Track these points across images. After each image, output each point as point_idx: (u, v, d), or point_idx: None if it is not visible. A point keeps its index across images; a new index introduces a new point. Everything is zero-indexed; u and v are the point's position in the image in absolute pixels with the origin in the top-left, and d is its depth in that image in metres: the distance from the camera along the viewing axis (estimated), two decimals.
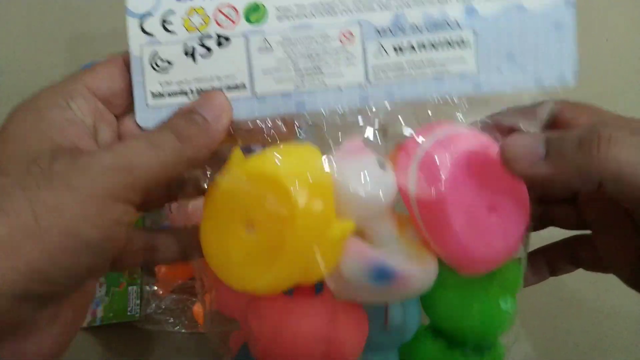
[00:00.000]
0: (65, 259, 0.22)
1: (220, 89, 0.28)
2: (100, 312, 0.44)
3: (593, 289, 0.46)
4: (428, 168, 0.26)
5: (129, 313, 0.44)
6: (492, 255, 0.27)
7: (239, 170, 0.26)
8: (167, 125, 0.26)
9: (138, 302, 0.44)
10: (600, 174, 0.22)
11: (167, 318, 0.45)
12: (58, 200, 0.22)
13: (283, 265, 0.25)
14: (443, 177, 0.25)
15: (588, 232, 0.32)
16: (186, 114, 0.26)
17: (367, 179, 0.25)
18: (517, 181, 0.26)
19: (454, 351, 0.30)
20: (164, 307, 0.45)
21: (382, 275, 0.25)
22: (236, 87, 0.28)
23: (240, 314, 0.29)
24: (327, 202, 0.25)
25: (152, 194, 0.29)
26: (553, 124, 0.29)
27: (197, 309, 0.44)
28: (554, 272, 0.33)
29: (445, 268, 0.27)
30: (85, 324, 0.44)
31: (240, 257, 0.26)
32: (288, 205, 0.24)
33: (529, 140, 0.24)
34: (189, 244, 0.29)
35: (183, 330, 0.44)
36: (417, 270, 0.26)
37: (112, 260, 0.25)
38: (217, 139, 0.26)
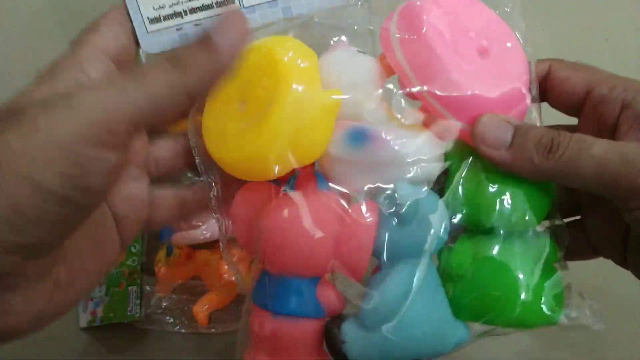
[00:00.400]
0: (28, 208, 0.20)
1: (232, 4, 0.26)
2: (100, 312, 0.44)
3: (593, 288, 0.46)
4: (408, 14, 0.27)
5: (129, 313, 0.44)
6: (495, 95, 0.27)
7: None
8: (168, 54, 0.24)
9: (138, 302, 0.44)
10: (550, 172, 0.26)
11: (167, 318, 0.45)
12: (20, 144, 0.20)
13: (270, 130, 0.25)
14: (424, 17, 0.26)
15: (575, 218, 0.33)
16: (197, 40, 0.24)
17: (349, 63, 0.27)
18: (507, 29, 0.28)
19: (491, 239, 0.28)
20: (164, 307, 0.45)
21: (357, 136, 0.26)
22: (225, 1, 0.28)
23: (253, 233, 0.28)
24: (313, 78, 0.26)
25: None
26: (549, 82, 0.30)
27: (197, 308, 0.44)
28: None
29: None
30: (85, 324, 0.44)
31: (233, 130, 0.26)
32: (274, 75, 0.25)
33: (499, 126, 0.27)
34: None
35: (183, 330, 0.44)
36: (399, 135, 0.26)
37: (91, 209, 0.23)
38: (226, 67, 0.24)
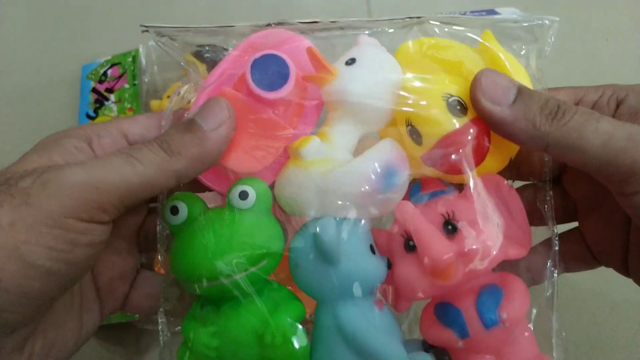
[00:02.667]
0: (13, 285, 0.20)
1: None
2: None
3: (593, 288, 0.46)
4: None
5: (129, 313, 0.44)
6: None
7: None
8: (158, 137, 0.25)
9: None
10: (551, 139, 0.24)
11: (168, 318, 0.44)
12: (12, 218, 0.20)
13: None
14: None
15: (572, 226, 0.32)
16: (182, 123, 0.25)
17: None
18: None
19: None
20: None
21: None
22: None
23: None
24: None
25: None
26: None
27: None
28: (537, 279, 0.31)
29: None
30: None
31: None
32: None
33: (505, 82, 0.25)
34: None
35: None
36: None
37: (74, 282, 0.23)
38: (214, 151, 0.25)
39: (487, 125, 0.26)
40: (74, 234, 0.21)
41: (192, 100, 0.29)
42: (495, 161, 0.27)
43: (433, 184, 0.28)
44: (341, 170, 0.26)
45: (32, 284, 0.21)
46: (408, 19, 0.29)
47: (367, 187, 0.26)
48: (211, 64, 0.30)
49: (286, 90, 0.27)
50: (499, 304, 0.25)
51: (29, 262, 0.20)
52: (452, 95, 0.26)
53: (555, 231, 0.30)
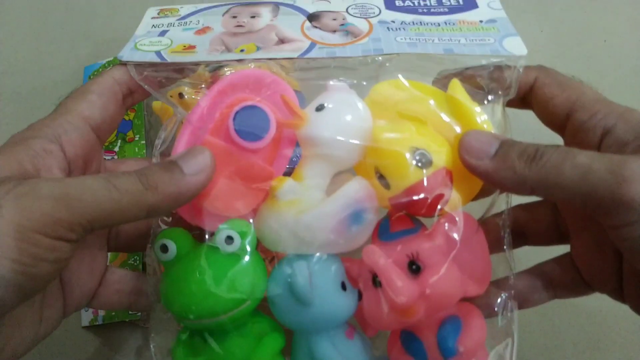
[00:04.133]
0: None
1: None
2: (102, 311, 0.44)
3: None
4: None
5: (130, 312, 0.44)
6: None
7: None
8: (139, 170, 0.25)
9: None
10: (532, 181, 0.25)
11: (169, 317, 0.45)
12: None
13: None
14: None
15: (564, 251, 0.32)
16: (165, 162, 0.26)
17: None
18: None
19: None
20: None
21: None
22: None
23: None
24: None
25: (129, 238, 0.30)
26: (533, 97, 0.30)
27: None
28: (522, 303, 0.31)
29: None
30: (87, 323, 0.44)
31: None
32: None
33: (486, 138, 0.27)
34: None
35: None
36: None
37: (35, 294, 0.23)
38: (189, 194, 0.26)
39: (477, 177, 0.27)
40: (39, 249, 0.21)
41: (176, 134, 0.31)
42: (462, 197, 0.29)
43: (401, 222, 0.29)
44: (311, 213, 0.28)
45: None
46: (379, 57, 0.31)
47: (335, 228, 0.28)
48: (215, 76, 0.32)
49: (267, 141, 0.29)
50: (458, 336, 0.28)
51: None
52: (418, 148, 0.27)
53: (513, 264, 0.31)
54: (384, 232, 0.29)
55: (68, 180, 0.23)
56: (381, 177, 0.28)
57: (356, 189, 0.28)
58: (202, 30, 0.35)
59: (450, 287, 0.27)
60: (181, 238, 0.29)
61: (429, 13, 0.35)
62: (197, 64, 0.32)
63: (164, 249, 0.29)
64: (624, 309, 0.46)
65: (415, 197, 0.27)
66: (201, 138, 0.30)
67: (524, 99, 0.30)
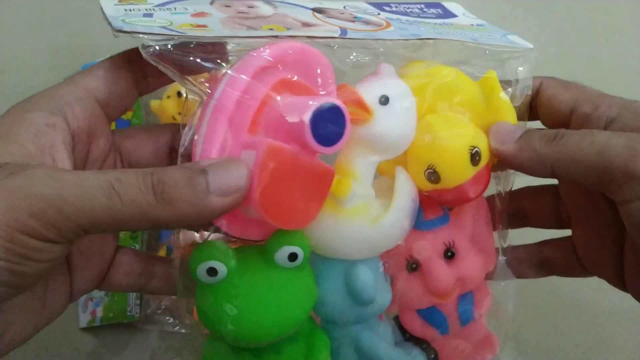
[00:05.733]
0: None
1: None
2: (100, 312, 0.44)
3: (593, 288, 0.46)
4: None
5: (128, 313, 0.44)
6: None
7: None
8: (155, 177, 0.21)
9: (138, 302, 0.44)
10: (552, 159, 0.26)
11: (167, 318, 0.45)
12: None
13: None
14: None
15: (564, 235, 0.33)
16: (191, 171, 0.22)
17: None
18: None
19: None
20: (163, 307, 0.45)
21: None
22: None
23: None
24: None
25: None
26: (538, 100, 0.31)
27: (194, 313, 0.44)
28: (519, 274, 0.33)
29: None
30: (85, 324, 0.44)
31: None
32: None
33: (511, 127, 0.28)
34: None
35: (183, 331, 0.44)
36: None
37: (26, 289, 0.22)
38: (206, 218, 0.22)
39: (500, 161, 0.29)
40: (27, 250, 0.20)
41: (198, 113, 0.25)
42: None
43: (433, 210, 0.30)
44: (389, 219, 0.27)
45: None
46: (419, 40, 0.29)
47: (406, 229, 0.28)
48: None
49: (342, 143, 0.25)
50: (473, 305, 0.31)
51: None
52: (475, 147, 0.28)
53: (509, 232, 0.33)
54: (419, 221, 0.29)
55: (66, 177, 0.21)
56: (433, 173, 0.28)
57: (410, 185, 0.28)
58: (200, 14, 0.28)
59: (479, 268, 0.30)
60: (230, 258, 0.25)
61: (422, 17, 0.34)
62: (222, 40, 0.25)
63: (213, 272, 0.25)
64: (626, 310, 0.46)
65: (461, 194, 0.28)
66: (241, 131, 0.24)
67: (531, 106, 0.31)
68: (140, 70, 0.27)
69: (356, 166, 0.27)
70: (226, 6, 0.30)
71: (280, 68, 0.25)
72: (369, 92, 0.27)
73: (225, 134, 0.24)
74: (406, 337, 0.33)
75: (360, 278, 0.27)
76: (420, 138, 0.28)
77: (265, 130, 0.24)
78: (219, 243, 0.26)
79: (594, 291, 0.46)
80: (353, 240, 0.27)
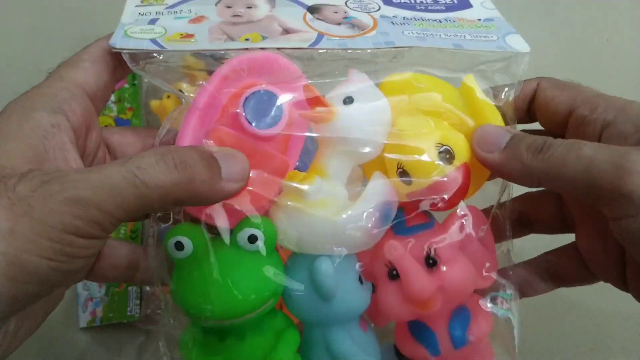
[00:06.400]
0: (9, 287, 0.20)
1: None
2: (100, 312, 0.44)
3: (593, 289, 0.46)
4: None
5: (128, 313, 0.44)
6: None
7: None
8: (175, 152, 0.23)
9: (138, 302, 0.44)
10: (539, 172, 0.26)
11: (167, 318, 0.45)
12: (12, 226, 0.20)
13: None
14: None
15: (567, 242, 0.32)
16: (206, 154, 0.24)
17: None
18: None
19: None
20: (163, 307, 0.45)
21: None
22: None
23: None
24: None
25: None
26: (535, 101, 0.31)
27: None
28: (526, 291, 0.33)
29: None
30: (85, 324, 0.44)
31: None
32: None
33: (498, 132, 0.28)
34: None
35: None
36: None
37: (63, 286, 0.23)
38: (214, 200, 0.25)
39: (487, 169, 0.28)
40: (74, 248, 0.21)
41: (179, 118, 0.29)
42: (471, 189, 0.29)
43: (417, 217, 0.29)
44: (349, 215, 0.27)
45: (26, 288, 0.21)
46: (393, 49, 0.30)
47: (371, 229, 0.28)
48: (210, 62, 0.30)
49: (280, 128, 0.28)
50: (468, 326, 0.29)
51: (28, 270, 0.20)
52: (442, 144, 0.28)
53: (511, 247, 0.32)
54: (400, 226, 0.29)
55: (93, 177, 0.21)
56: (403, 173, 0.28)
57: (383, 187, 0.28)
58: (197, 19, 0.32)
59: (465, 279, 0.28)
60: (197, 234, 0.27)
61: (427, 10, 0.34)
62: (200, 52, 0.29)
63: (179, 246, 0.27)
64: (626, 311, 0.46)
65: (438, 194, 0.27)
66: (208, 126, 0.28)
67: (528, 108, 0.31)
68: (116, 58, 0.29)
69: (325, 164, 0.28)
70: (227, 7, 0.33)
71: (246, 74, 0.28)
72: (335, 93, 0.28)
73: (198, 130, 0.27)
74: (398, 354, 0.32)
75: (321, 268, 0.27)
76: (390, 138, 0.28)
77: (229, 125, 0.27)
78: (192, 224, 0.28)
79: (594, 292, 0.46)
80: (314, 231, 0.28)
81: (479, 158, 0.28)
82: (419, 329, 0.30)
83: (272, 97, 0.28)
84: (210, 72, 0.29)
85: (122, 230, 0.45)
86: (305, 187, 0.28)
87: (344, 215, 0.27)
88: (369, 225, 0.28)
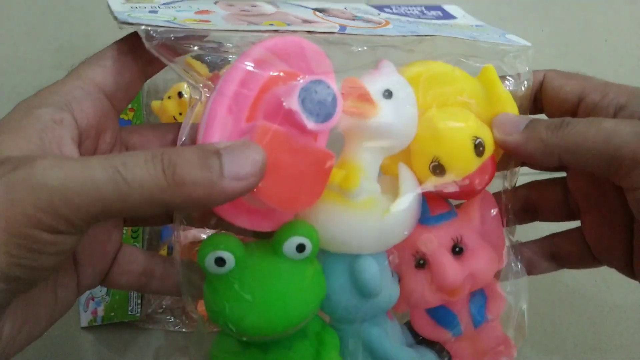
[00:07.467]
0: None
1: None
2: (101, 312, 0.44)
3: (593, 288, 0.46)
4: None
5: (129, 312, 0.44)
6: None
7: None
8: (167, 153, 0.21)
9: (139, 301, 0.44)
10: (559, 148, 0.26)
11: (168, 318, 0.45)
12: None
13: None
14: None
15: (574, 225, 0.33)
16: (205, 151, 0.21)
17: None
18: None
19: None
20: (164, 306, 0.45)
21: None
22: None
23: None
24: None
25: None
26: (543, 92, 0.31)
27: (199, 307, 0.44)
28: (530, 270, 0.34)
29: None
30: (86, 324, 0.44)
31: None
32: None
33: (515, 117, 0.28)
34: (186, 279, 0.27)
35: (184, 330, 0.44)
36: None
37: (37, 283, 0.21)
38: (218, 202, 0.22)
39: (505, 152, 0.29)
40: (38, 244, 0.20)
41: (201, 100, 0.26)
42: None
43: (439, 205, 0.30)
44: (397, 213, 0.27)
45: None
46: (415, 37, 0.29)
47: (411, 222, 0.28)
48: (212, 66, 0.28)
49: (334, 122, 0.25)
50: (485, 307, 0.31)
51: None
52: (478, 137, 0.28)
53: (514, 238, 0.33)
54: (425, 216, 0.29)
55: (70, 166, 0.20)
56: (437, 165, 0.28)
57: (413, 179, 0.28)
58: (204, 12, 0.28)
59: (489, 264, 0.30)
60: (237, 247, 0.25)
61: (421, 19, 0.34)
62: (224, 32, 0.26)
63: (221, 262, 0.24)
64: (626, 309, 0.46)
65: (470, 185, 0.28)
66: (237, 116, 0.24)
67: (535, 99, 0.31)
68: (144, 55, 0.26)
69: (363, 160, 0.27)
70: (230, 5, 0.30)
71: (278, 60, 0.25)
72: (372, 87, 0.27)
73: (225, 121, 0.24)
74: (418, 340, 0.32)
75: (366, 268, 0.27)
76: (423, 132, 0.28)
77: (264, 118, 0.24)
78: (227, 234, 0.26)
79: (593, 290, 0.46)
80: (363, 233, 0.27)
81: (498, 141, 0.28)
82: (440, 313, 0.31)
83: (328, 89, 0.25)
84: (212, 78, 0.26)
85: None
86: (351, 188, 0.26)
87: (390, 214, 0.27)
88: (412, 219, 0.28)
